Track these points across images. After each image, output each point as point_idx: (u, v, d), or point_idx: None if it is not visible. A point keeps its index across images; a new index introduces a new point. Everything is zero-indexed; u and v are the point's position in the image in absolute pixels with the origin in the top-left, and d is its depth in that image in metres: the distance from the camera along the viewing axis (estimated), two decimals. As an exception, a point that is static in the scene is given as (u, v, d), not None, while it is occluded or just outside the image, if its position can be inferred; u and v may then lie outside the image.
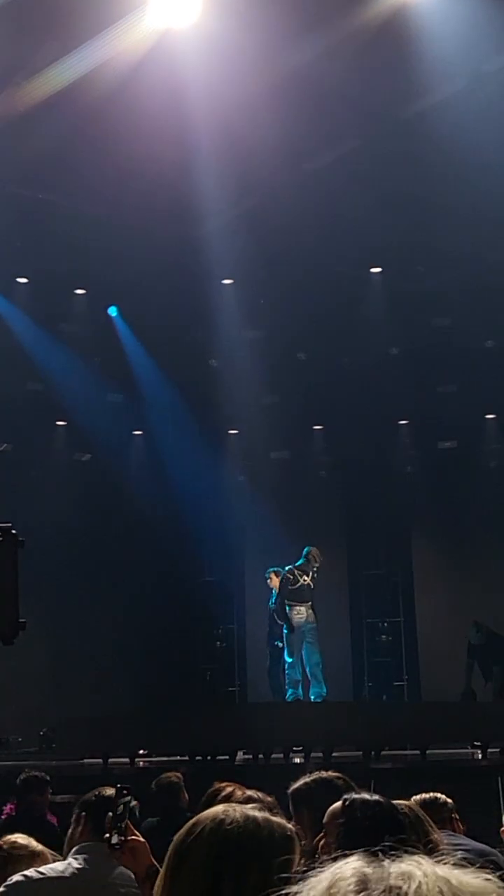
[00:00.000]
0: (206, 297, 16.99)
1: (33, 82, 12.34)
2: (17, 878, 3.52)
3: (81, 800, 3.96)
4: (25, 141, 13.34)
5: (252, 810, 1.78)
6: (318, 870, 0.86)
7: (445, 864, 0.84)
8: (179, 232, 15.30)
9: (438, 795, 5.06)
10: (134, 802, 3.46)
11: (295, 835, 1.78)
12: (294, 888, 0.87)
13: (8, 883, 3.50)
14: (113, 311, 18.19)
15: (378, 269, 16.92)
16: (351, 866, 0.84)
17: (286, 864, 1.71)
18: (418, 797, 5.04)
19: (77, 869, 3.56)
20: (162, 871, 1.74)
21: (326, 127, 13.34)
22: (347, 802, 3.14)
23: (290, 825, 1.80)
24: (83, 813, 3.87)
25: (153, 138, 12.88)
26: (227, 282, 17.15)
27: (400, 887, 0.79)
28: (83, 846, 3.64)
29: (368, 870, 0.83)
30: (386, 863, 0.84)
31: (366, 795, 3.18)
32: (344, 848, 0.93)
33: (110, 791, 3.67)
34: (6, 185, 14.43)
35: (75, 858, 3.61)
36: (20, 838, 3.94)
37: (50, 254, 15.56)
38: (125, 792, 3.25)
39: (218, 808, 1.78)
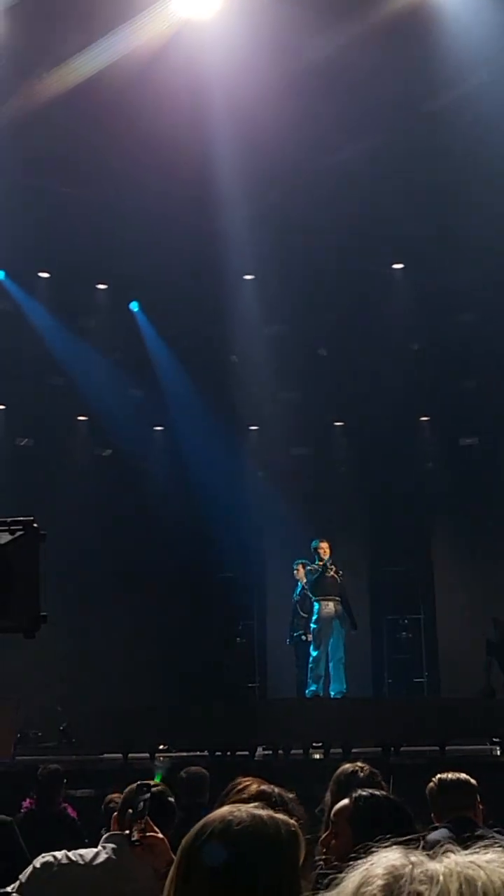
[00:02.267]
0: (228, 292, 16.99)
1: (55, 74, 12.37)
2: (47, 857, 3.54)
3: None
4: (47, 133, 13.38)
5: (256, 809, 1.78)
6: (352, 867, 0.86)
7: (485, 859, 0.83)
8: (201, 227, 15.30)
9: (465, 777, 4.83)
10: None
11: (299, 830, 1.79)
12: (330, 887, 0.87)
13: (37, 863, 3.52)
14: (134, 306, 18.21)
15: (400, 265, 16.87)
16: (382, 863, 0.83)
17: (294, 859, 1.72)
18: (444, 776, 4.86)
19: (105, 859, 3.57)
20: (171, 874, 1.73)
21: (349, 120, 13.30)
22: (355, 799, 3.13)
23: (293, 821, 1.79)
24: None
25: (175, 131, 12.87)
26: (248, 277, 17.13)
27: (420, 894, 0.78)
28: (113, 836, 3.65)
29: (400, 869, 0.82)
30: (416, 861, 0.83)
31: (375, 792, 3.17)
32: (355, 844, 0.94)
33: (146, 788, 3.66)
34: (27, 178, 14.46)
35: (104, 847, 3.62)
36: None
37: (71, 248, 15.59)
38: (145, 789, 3.26)
39: (224, 810, 1.79)
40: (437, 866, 0.81)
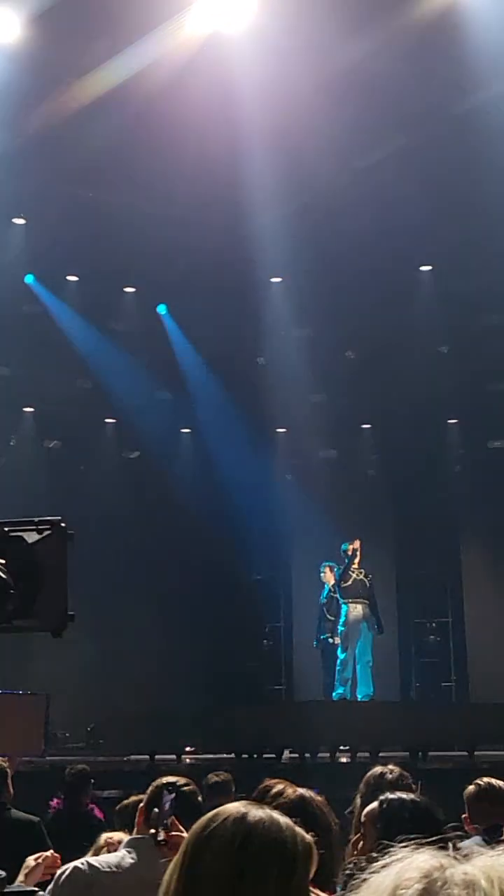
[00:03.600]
0: (255, 295, 17.00)
1: (85, 81, 12.43)
2: (72, 867, 3.54)
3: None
4: (77, 140, 13.44)
5: (275, 813, 1.75)
6: (380, 866, 0.85)
7: None
8: (229, 230, 15.32)
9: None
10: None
11: (314, 846, 1.75)
12: (357, 886, 0.85)
13: (65, 871, 3.52)
14: (162, 309, 18.26)
15: (428, 267, 16.82)
16: (416, 866, 0.82)
17: (305, 868, 1.68)
18: (482, 780, 4.88)
19: (130, 864, 3.56)
20: (179, 854, 1.70)
21: (377, 124, 13.30)
22: (381, 802, 3.11)
23: (308, 836, 1.76)
24: None
25: (204, 136, 12.91)
26: (275, 280, 17.14)
27: None
28: (133, 840, 3.64)
29: (435, 872, 0.80)
30: (449, 864, 0.81)
31: (403, 795, 3.15)
32: (381, 847, 0.92)
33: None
34: (58, 184, 14.54)
35: (128, 852, 3.61)
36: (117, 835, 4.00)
37: (100, 252, 15.66)
38: (171, 788, 3.26)
39: (238, 804, 1.76)
40: (474, 870, 0.80)
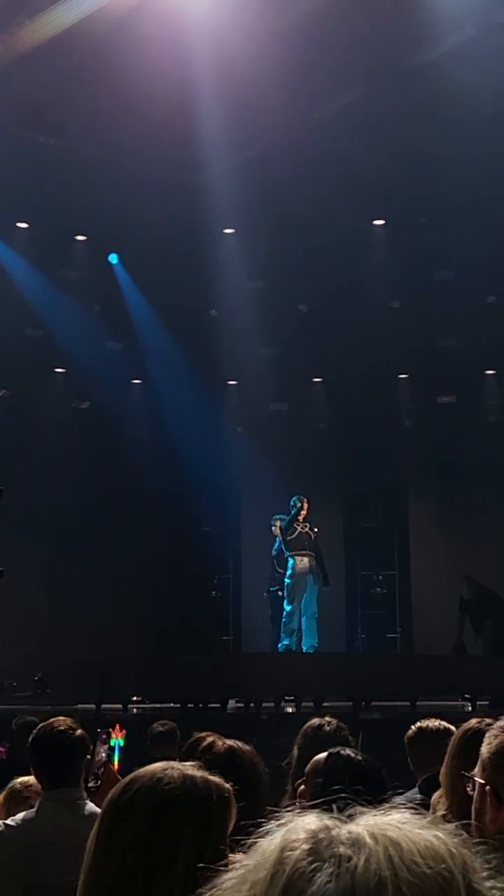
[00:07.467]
0: (208, 245, 16.87)
1: (35, 23, 12.16)
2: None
3: None
4: (27, 83, 13.18)
5: (191, 769, 1.74)
6: (273, 826, 0.86)
7: (398, 819, 0.83)
8: (182, 179, 15.16)
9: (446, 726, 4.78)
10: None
11: (232, 796, 1.76)
12: (246, 848, 0.87)
13: None
14: (113, 259, 18.06)
15: (381, 221, 16.79)
16: (302, 827, 0.84)
17: (223, 825, 1.69)
18: (423, 724, 4.79)
19: (27, 818, 3.57)
20: (96, 826, 1.70)
21: (332, 74, 13.16)
22: (331, 758, 3.11)
23: (227, 786, 1.76)
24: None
25: (156, 82, 12.71)
26: (228, 231, 17.01)
27: (350, 857, 0.79)
28: (52, 793, 3.62)
29: (321, 832, 0.82)
30: (334, 824, 0.83)
31: (351, 753, 3.15)
32: (317, 800, 0.94)
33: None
34: (8, 128, 14.27)
35: (39, 805, 3.61)
36: (31, 779, 3.97)
37: (51, 199, 15.42)
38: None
39: (156, 766, 1.75)
40: (359, 829, 0.82)
